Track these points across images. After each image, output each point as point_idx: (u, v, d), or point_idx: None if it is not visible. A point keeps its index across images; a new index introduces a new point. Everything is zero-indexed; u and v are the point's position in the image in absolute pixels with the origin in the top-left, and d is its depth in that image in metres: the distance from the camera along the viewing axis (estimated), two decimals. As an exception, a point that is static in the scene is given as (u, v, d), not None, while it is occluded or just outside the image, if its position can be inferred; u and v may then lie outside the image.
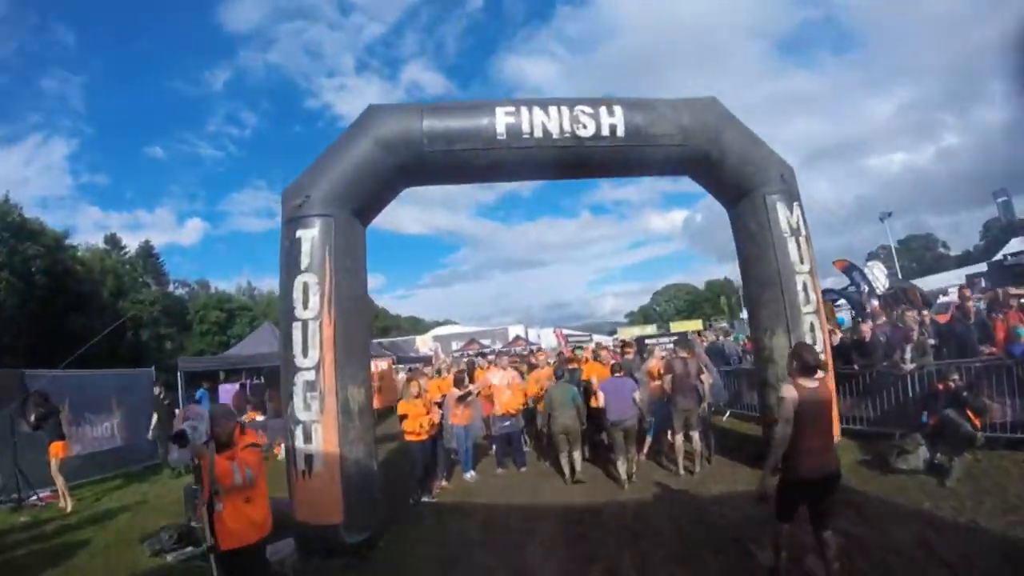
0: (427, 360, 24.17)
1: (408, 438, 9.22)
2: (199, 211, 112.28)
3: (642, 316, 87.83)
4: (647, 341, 16.28)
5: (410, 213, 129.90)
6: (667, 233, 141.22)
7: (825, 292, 18.60)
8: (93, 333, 20.09)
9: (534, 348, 28.25)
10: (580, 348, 17.86)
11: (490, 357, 11.87)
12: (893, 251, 43.43)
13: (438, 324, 72.17)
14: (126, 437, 14.19)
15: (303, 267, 7.34)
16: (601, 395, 9.47)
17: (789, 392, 4.83)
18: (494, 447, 11.28)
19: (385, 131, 7.85)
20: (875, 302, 15.97)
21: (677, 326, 48.08)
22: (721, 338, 16.41)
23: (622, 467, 9.04)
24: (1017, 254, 24.44)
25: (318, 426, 7.04)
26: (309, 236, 7.41)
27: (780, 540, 5.10)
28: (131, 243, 52.34)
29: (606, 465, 9.92)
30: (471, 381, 10.88)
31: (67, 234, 41.04)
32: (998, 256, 28.69)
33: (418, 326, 75.35)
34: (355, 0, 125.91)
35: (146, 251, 53.01)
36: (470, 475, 10.34)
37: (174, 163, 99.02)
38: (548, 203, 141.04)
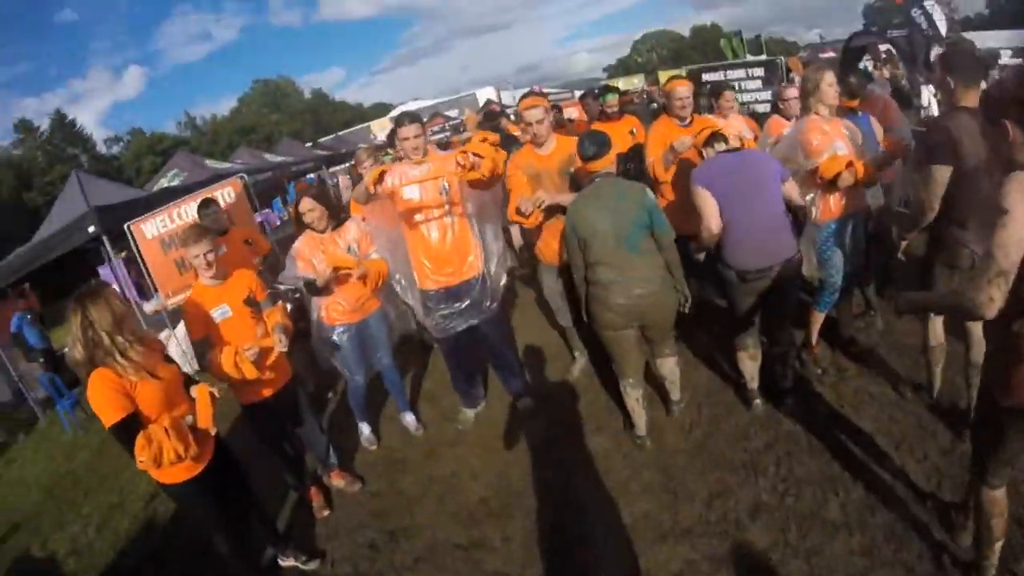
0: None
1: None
2: (132, 57, 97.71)
3: (622, 69, 72.72)
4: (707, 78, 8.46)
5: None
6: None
7: (860, 34, 11.31)
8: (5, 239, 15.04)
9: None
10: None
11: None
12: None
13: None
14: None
15: None
16: (707, 200, 3.42)
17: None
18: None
19: None
20: (937, 50, 9.48)
21: (665, 76, 39.24)
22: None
23: (748, 366, 3.75)
24: None
25: None
26: None
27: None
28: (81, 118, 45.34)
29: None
30: (324, 217, 4.08)
31: None
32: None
33: (386, 112, 66.40)
34: None
35: (59, 123, 44.92)
36: (411, 420, 4.59)
37: (90, 19, 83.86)
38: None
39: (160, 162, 42.12)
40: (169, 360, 2.94)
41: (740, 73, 8.18)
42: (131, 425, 2.53)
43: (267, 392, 3.53)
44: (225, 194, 7.05)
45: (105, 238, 7.21)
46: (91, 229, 7.13)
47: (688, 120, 4.43)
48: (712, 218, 3.39)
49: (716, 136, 3.61)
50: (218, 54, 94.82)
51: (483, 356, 4.48)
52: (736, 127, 4.89)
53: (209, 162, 12.46)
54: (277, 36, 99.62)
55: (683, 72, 17.96)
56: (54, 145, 43.76)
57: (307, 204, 4.02)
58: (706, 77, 8.40)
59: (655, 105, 12.50)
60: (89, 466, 5.90)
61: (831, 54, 14.16)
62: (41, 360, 8.02)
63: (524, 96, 4.21)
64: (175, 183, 10.68)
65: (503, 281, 4.08)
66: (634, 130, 5.45)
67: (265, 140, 41.34)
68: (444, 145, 11.21)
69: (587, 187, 3.46)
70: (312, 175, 16.09)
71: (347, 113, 61.53)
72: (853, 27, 12.72)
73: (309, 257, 3.96)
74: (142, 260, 6.83)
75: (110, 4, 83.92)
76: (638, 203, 3.34)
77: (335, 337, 4.12)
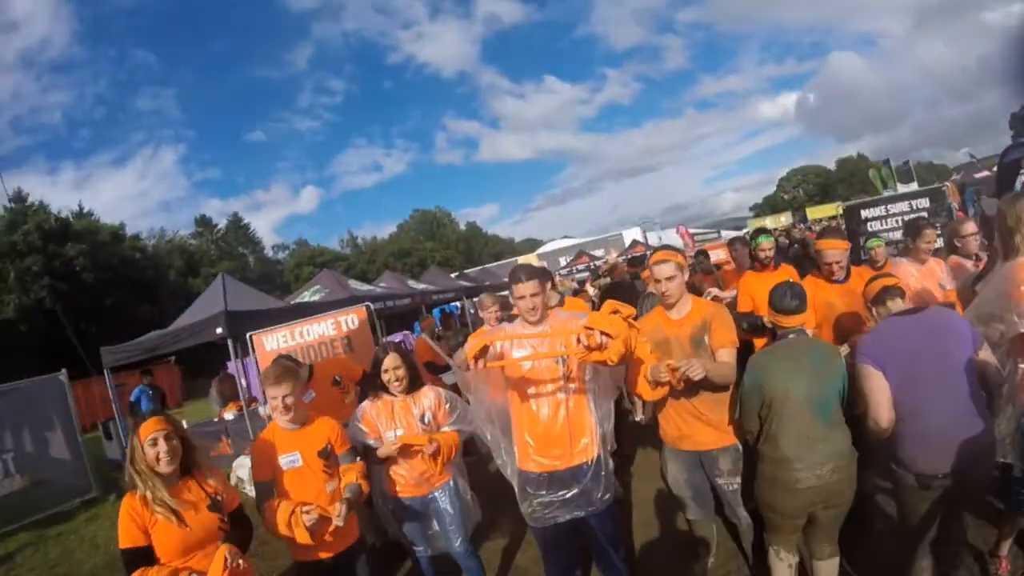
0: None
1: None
2: (310, 179, 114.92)
3: (769, 207, 73.40)
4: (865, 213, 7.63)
5: (512, 139, 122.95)
6: (779, 119, 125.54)
7: (1013, 147, 8.84)
8: (165, 318, 16.40)
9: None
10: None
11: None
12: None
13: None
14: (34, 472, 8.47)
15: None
16: (876, 383, 2.58)
17: None
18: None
19: None
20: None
21: (814, 212, 38.19)
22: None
23: None
24: None
25: None
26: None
27: None
28: (257, 223, 51.65)
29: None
30: (405, 379, 3.51)
31: (123, 226, 37.44)
32: None
33: (534, 247, 68.44)
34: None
35: (235, 224, 51.19)
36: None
37: (276, 142, 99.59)
38: (649, 106, 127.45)
39: (317, 273, 46.22)
40: (215, 507, 2.59)
41: (903, 206, 7.03)
42: (136, 557, 2.43)
43: (324, 555, 3.03)
44: (349, 320, 7.08)
45: (230, 340, 7.41)
46: (219, 331, 7.49)
47: (843, 278, 3.76)
48: (882, 408, 2.57)
49: (890, 291, 2.75)
50: (385, 183, 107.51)
51: (585, 547, 3.68)
52: (938, 275, 4.05)
53: (352, 283, 12.88)
54: (440, 172, 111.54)
55: (839, 208, 16.29)
56: (227, 242, 48.91)
57: (393, 361, 3.47)
58: (865, 213, 7.44)
59: (796, 246, 11.61)
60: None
61: (986, 173, 12.65)
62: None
63: (657, 249, 3.54)
64: (315, 298, 11.05)
65: (612, 466, 3.34)
66: (791, 281, 4.81)
67: (418, 265, 44.12)
68: (580, 286, 10.91)
69: (778, 343, 2.89)
70: (456, 303, 16.61)
71: (498, 246, 64.51)
72: (1001, 141, 11.18)
73: (375, 421, 3.48)
74: (259, 369, 6.91)
75: (297, 133, 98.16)
76: (838, 368, 2.76)
77: (397, 509, 3.56)
